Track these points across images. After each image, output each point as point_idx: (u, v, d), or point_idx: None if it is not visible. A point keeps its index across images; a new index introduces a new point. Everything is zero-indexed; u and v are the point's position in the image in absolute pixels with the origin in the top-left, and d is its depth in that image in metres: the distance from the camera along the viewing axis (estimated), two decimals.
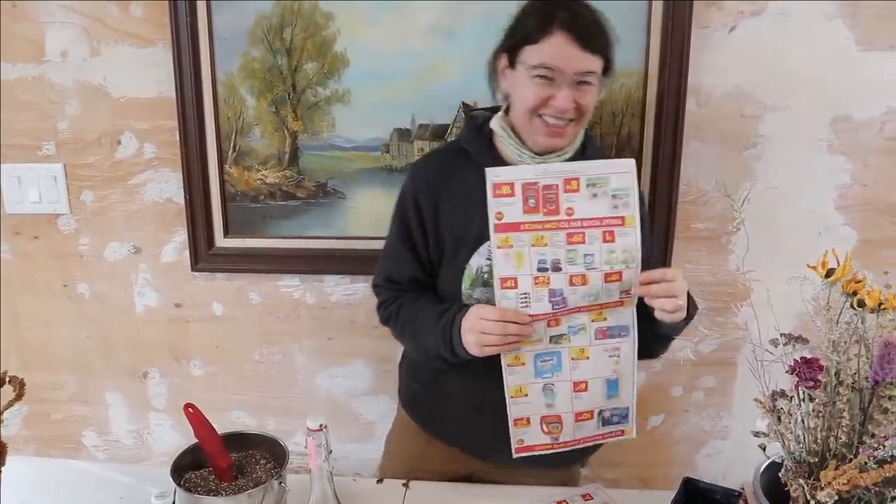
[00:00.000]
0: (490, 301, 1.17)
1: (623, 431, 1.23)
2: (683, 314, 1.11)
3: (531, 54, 1.12)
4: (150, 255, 1.79)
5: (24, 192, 1.74)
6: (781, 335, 0.97)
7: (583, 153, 1.25)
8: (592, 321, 1.15)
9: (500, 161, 1.22)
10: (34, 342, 1.90)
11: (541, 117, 1.15)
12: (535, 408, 1.18)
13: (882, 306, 0.91)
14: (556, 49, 1.09)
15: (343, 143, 1.63)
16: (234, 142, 1.66)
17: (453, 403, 1.33)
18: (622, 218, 1.09)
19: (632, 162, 1.09)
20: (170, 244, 1.78)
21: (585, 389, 1.17)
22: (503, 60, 1.19)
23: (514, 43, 1.15)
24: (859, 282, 0.93)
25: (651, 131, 1.57)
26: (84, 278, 1.83)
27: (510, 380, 1.16)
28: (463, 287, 1.22)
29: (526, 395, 1.17)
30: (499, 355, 1.16)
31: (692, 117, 1.55)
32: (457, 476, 1.38)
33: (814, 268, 0.96)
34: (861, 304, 0.91)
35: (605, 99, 1.54)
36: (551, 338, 1.15)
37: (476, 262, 1.21)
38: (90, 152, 1.71)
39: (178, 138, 1.65)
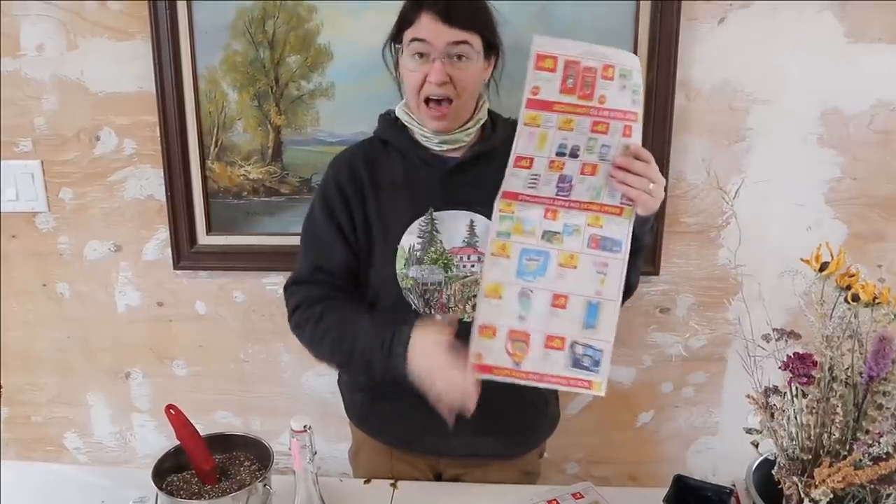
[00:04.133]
0: (424, 277, 1.22)
1: (591, 384, 1.09)
2: (657, 204, 1.08)
3: (408, 35, 1.19)
4: (132, 253, 1.76)
5: (1, 190, 1.70)
6: (774, 330, 0.96)
7: (493, 129, 1.29)
8: (588, 225, 1.09)
9: (417, 144, 1.27)
10: (13, 343, 1.86)
11: (427, 103, 1.19)
12: (505, 315, 1.10)
13: (876, 300, 0.90)
14: (426, 26, 1.16)
15: (327, 137, 1.61)
16: (216, 137, 1.63)
17: (397, 404, 1.30)
18: (636, 114, 1.05)
19: (637, 58, 1.06)
20: (151, 242, 1.74)
21: (564, 306, 1.10)
22: (393, 50, 1.26)
23: (396, 31, 1.22)
24: (853, 276, 0.92)
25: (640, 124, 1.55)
26: (64, 278, 1.79)
27: (489, 274, 1.10)
28: (398, 268, 1.24)
29: (500, 296, 1.10)
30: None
31: (681, 110, 1.54)
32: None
33: (807, 262, 0.95)
34: (855, 298, 0.90)
35: None
36: (544, 233, 1.10)
37: (407, 241, 1.24)
38: (68, 149, 1.68)
39: (158, 134, 1.62)
